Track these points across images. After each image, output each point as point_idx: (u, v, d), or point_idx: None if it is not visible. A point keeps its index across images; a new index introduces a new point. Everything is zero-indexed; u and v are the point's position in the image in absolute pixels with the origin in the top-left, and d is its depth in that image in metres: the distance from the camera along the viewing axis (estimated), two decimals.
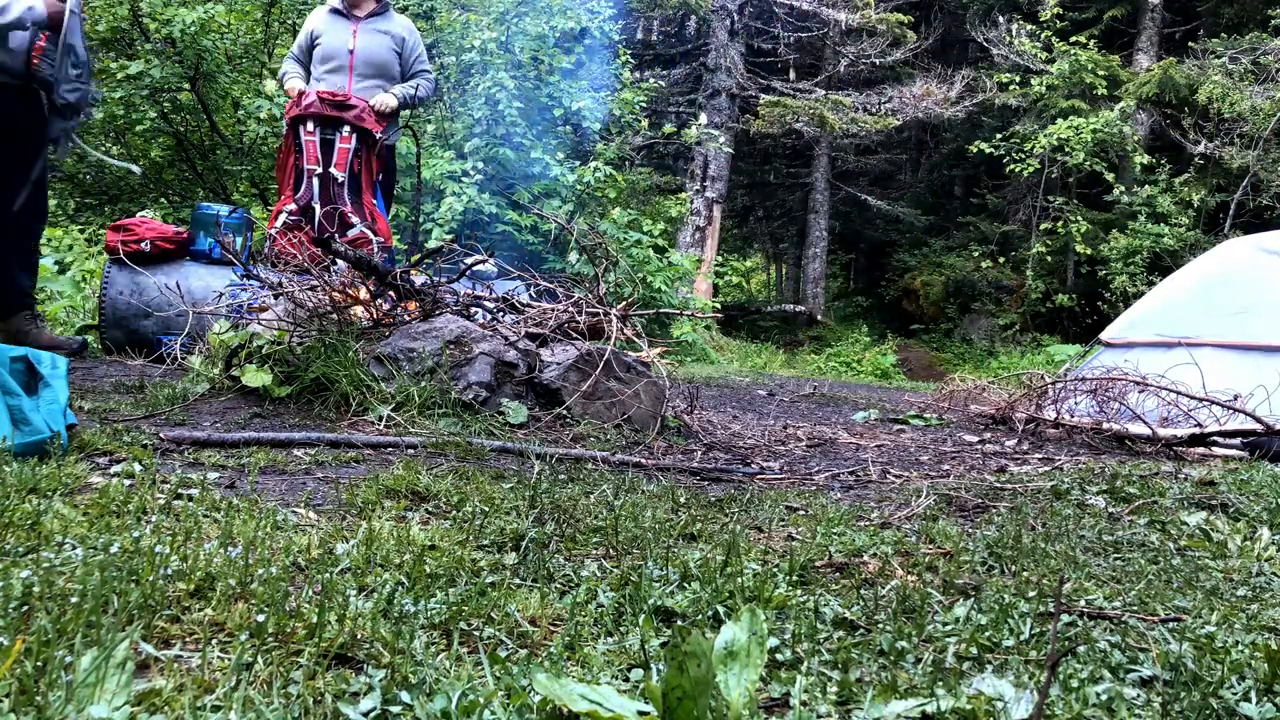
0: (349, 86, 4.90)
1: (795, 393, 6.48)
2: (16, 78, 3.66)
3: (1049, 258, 14.95)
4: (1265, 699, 1.12)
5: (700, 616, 1.31)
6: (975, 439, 4.14)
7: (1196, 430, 3.92)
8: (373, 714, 0.95)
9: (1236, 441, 3.85)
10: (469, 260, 4.13)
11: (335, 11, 5.03)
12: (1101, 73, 14.23)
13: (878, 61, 15.40)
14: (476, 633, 1.19)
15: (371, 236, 4.71)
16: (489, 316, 3.93)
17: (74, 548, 1.34)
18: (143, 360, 4.22)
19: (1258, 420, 3.75)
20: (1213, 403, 4.00)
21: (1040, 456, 3.60)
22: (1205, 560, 1.89)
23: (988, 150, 14.75)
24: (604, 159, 9.93)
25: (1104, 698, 1.10)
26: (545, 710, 0.95)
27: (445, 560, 1.45)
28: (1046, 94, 14.53)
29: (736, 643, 1.03)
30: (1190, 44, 14.23)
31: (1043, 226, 14.94)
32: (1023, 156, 14.46)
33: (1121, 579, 1.70)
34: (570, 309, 3.77)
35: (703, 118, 14.23)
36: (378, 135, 4.80)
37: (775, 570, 1.56)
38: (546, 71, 9.74)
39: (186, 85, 8.33)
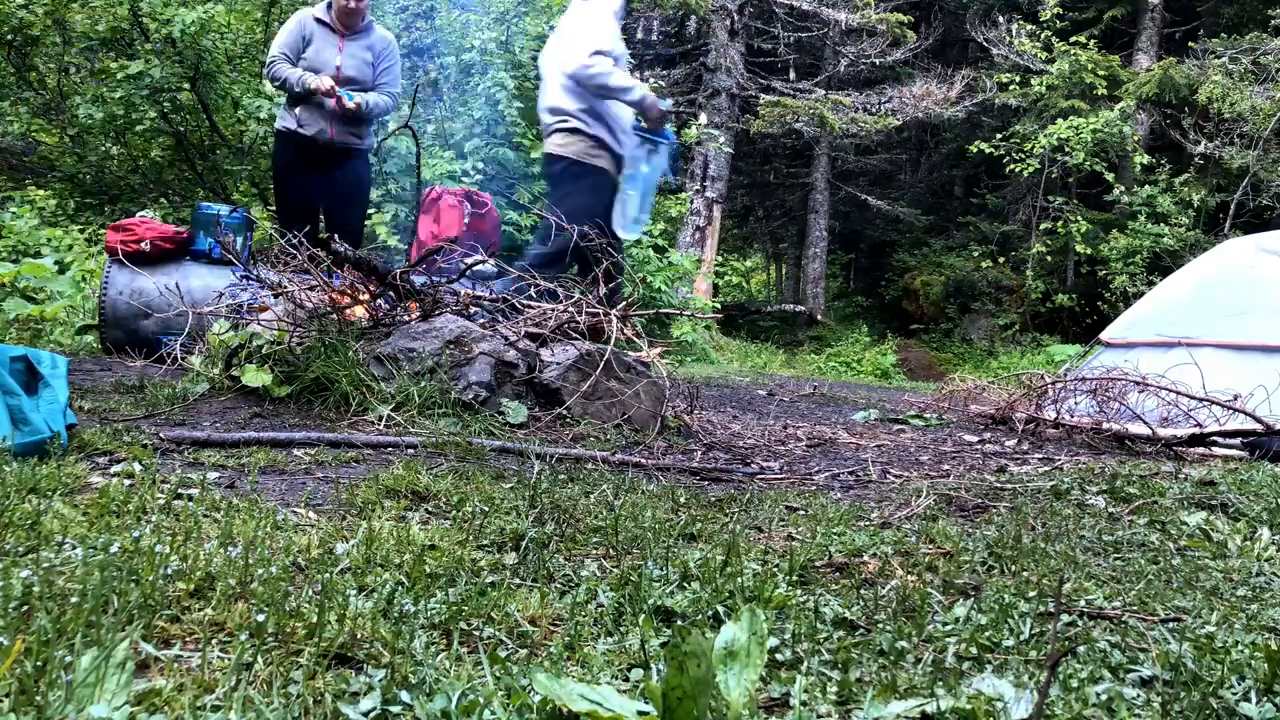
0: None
1: (795, 393, 6.48)
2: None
3: (1049, 258, 14.95)
4: (1265, 699, 1.12)
5: (700, 616, 1.31)
6: (975, 439, 4.14)
7: (1196, 430, 3.92)
8: (373, 714, 0.94)
9: (1236, 441, 3.85)
10: (469, 260, 4.12)
11: (321, 22, 4.87)
12: (1101, 73, 14.23)
13: (878, 61, 15.41)
14: (476, 633, 1.19)
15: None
16: (489, 316, 3.92)
17: (74, 548, 1.34)
18: (143, 360, 4.22)
19: (1258, 420, 3.75)
20: (1213, 403, 3.99)
21: (1040, 456, 3.60)
22: (1205, 560, 1.89)
23: (988, 150, 14.75)
24: None
25: (1104, 698, 1.10)
26: (545, 710, 0.95)
27: (445, 560, 1.45)
28: (1046, 94, 14.53)
29: (736, 643, 1.03)
30: (1190, 44, 14.23)
31: (1043, 226, 14.95)
32: (1023, 156, 14.45)
33: (1121, 579, 1.70)
34: (570, 309, 3.77)
35: (703, 118, 14.22)
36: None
37: (775, 570, 1.56)
38: None
39: (186, 85, 8.33)
